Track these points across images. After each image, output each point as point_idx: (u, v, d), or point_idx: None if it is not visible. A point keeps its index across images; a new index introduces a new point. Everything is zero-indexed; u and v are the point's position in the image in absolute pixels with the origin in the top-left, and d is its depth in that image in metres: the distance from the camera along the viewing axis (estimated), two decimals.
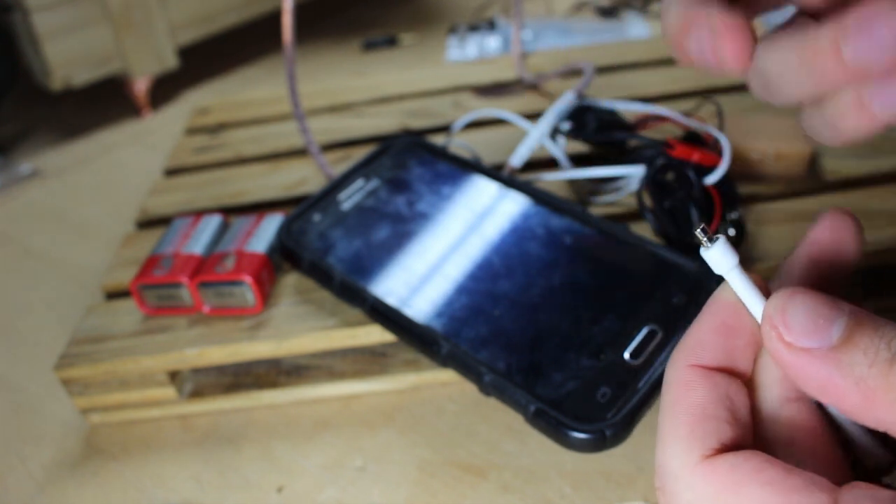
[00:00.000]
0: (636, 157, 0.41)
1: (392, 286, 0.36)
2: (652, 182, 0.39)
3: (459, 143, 0.46)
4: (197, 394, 0.40)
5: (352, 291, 0.36)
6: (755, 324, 0.20)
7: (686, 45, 0.20)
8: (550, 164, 0.45)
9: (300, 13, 0.58)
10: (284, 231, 0.39)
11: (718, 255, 0.20)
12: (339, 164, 0.50)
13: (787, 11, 0.21)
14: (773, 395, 0.20)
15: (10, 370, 0.45)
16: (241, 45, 0.82)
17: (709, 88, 0.52)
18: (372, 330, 0.37)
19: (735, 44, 0.19)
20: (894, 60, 0.16)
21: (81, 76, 0.66)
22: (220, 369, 0.41)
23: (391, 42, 0.79)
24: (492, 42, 0.76)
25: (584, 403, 0.29)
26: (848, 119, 0.19)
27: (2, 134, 0.73)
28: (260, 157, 0.54)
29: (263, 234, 0.41)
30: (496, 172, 0.40)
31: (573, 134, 0.44)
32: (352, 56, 0.79)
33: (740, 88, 0.50)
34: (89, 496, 0.36)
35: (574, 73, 0.57)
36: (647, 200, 0.39)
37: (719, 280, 0.21)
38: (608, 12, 0.79)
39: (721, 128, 0.41)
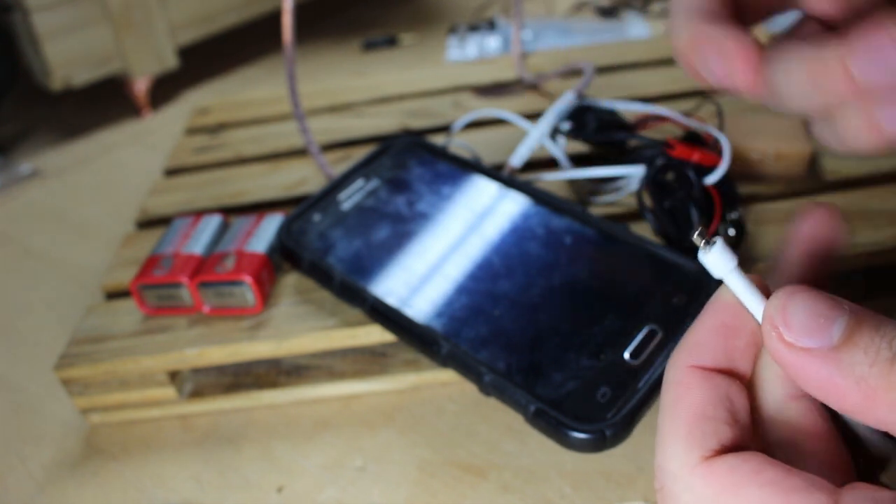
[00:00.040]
0: (636, 157, 0.41)
1: (392, 286, 0.36)
2: (652, 182, 0.39)
3: (459, 143, 0.46)
4: (197, 394, 0.40)
5: (352, 291, 0.36)
6: (755, 324, 0.20)
7: (696, 65, 0.20)
8: (550, 164, 0.45)
9: (300, 13, 0.57)
10: (284, 231, 0.39)
11: (716, 259, 0.20)
12: (339, 164, 0.50)
13: (792, 16, 0.21)
14: (773, 396, 0.20)
15: (10, 370, 0.45)
16: (241, 45, 0.82)
17: (709, 88, 0.52)
18: (372, 330, 0.37)
19: (746, 65, 0.20)
20: None
21: (81, 76, 0.66)
22: (220, 369, 0.41)
23: (391, 42, 0.79)
24: (492, 42, 0.76)
25: (584, 403, 0.29)
26: (857, 133, 0.19)
27: (2, 134, 0.73)
28: (260, 157, 0.54)
29: (263, 234, 0.41)
30: (496, 172, 0.40)
31: (573, 134, 0.44)
32: (352, 56, 0.79)
33: None
34: (89, 496, 0.36)
35: (574, 73, 0.57)
36: (647, 200, 0.39)
37: (719, 281, 0.21)
38: (608, 12, 0.79)
39: (721, 128, 0.41)
